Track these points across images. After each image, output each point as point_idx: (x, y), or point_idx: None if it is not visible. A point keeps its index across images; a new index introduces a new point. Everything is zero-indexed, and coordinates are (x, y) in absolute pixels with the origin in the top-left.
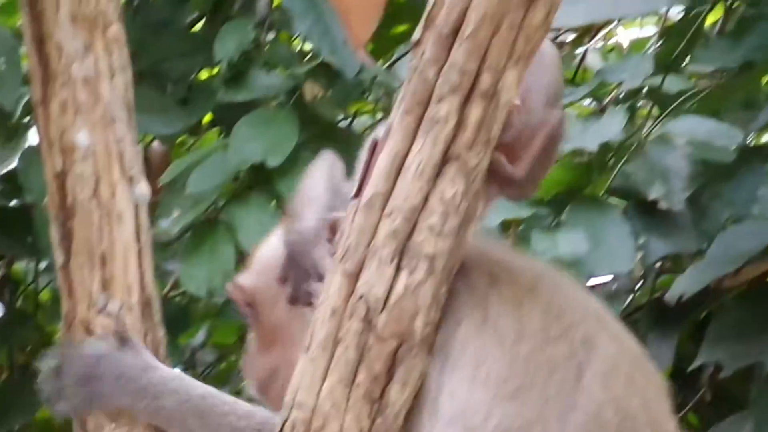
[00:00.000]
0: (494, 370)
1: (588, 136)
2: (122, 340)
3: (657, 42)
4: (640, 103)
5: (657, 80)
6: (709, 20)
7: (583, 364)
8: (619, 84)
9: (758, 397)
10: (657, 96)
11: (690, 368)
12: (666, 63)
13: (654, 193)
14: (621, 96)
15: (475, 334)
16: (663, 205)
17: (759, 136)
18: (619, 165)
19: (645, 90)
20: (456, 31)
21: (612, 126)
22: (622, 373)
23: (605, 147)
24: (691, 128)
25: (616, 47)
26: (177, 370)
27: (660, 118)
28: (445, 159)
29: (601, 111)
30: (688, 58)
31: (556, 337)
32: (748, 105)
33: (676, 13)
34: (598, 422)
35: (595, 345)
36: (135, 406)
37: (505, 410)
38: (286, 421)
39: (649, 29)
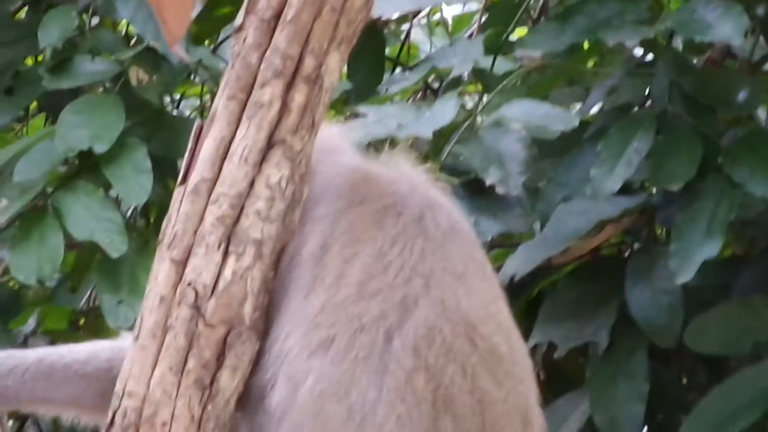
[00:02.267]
0: (310, 313)
1: (422, 123)
2: None
3: (480, 18)
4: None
5: (486, 62)
6: None
7: (394, 328)
8: (450, 69)
9: (593, 376)
10: (484, 77)
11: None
12: (495, 46)
13: (490, 179)
14: (450, 78)
15: (311, 263)
16: (498, 188)
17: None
18: (449, 146)
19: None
20: (278, 15)
21: (446, 112)
22: (439, 341)
23: (439, 132)
24: (524, 112)
25: (442, 23)
26: (9, 352)
27: (489, 98)
28: (270, 144)
29: (427, 91)
30: (514, 41)
31: (370, 294)
32: (573, 84)
33: None
34: (411, 389)
35: (412, 309)
36: None
37: (320, 367)
38: (117, 410)
39: (472, 5)
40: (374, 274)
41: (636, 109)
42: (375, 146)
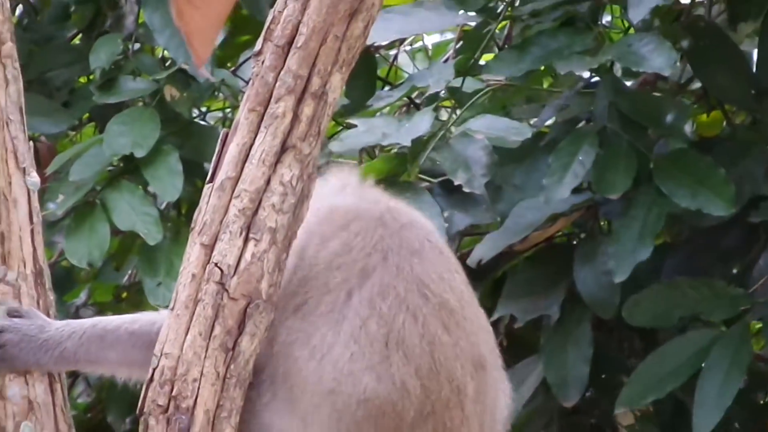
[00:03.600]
0: (290, 289)
1: (402, 134)
2: (16, 312)
3: (456, 45)
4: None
5: (457, 82)
6: (500, 26)
7: (353, 288)
8: (427, 87)
9: (546, 343)
10: (456, 95)
11: (490, 320)
12: (464, 69)
13: (458, 180)
14: (426, 96)
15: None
16: (465, 188)
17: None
18: (426, 153)
19: (445, 90)
20: (290, 42)
21: (422, 124)
22: (392, 295)
23: (417, 141)
24: (488, 125)
25: (423, 50)
26: (66, 321)
27: (460, 113)
28: (283, 148)
29: (411, 106)
30: (483, 64)
31: (336, 267)
32: (530, 101)
33: (473, 22)
34: (366, 332)
35: (371, 274)
36: (41, 360)
37: (292, 324)
38: (156, 368)
39: (448, 34)
40: (341, 254)
41: (582, 123)
42: (366, 151)
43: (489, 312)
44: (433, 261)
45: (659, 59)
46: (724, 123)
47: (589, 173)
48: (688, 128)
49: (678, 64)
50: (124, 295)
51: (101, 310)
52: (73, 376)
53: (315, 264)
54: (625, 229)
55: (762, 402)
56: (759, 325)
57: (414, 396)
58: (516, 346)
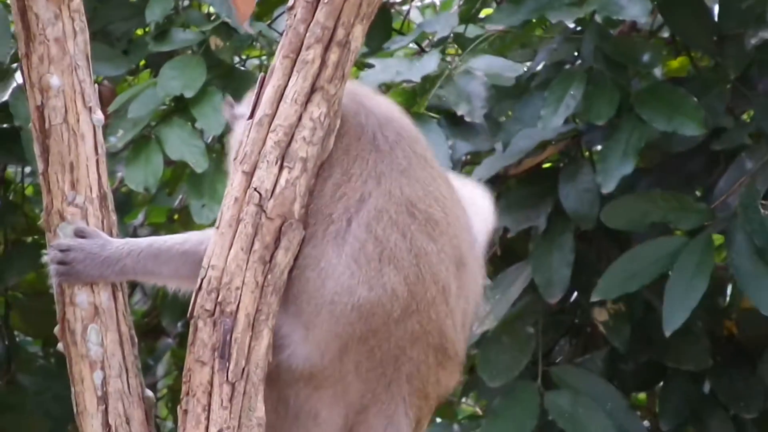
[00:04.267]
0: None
1: (413, 71)
2: (82, 232)
3: (460, 1)
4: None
5: (461, 29)
6: None
7: (353, 216)
8: (434, 33)
9: (534, 250)
10: (460, 40)
11: None
12: (467, 17)
13: (461, 111)
14: (435, 41)
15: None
16: (466, 117)
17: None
18: (433, 90)
19: (451, 36)
20: None
21: (430, 63)
22: (386, 218)
23: (425, 78)
24: (486, 64)
25: (432, 5)
26: (126, 239)
27: (463, 54)
28: (312, 89)
29: (421, 51)
30: (483, 17)
31: (338, 198)
32: (524, 46)
33: None
34: (364, 253)
35: (367, 200)
36: (104, 274)
37: (303, 251)
38: (203, 278)
39: None
40: (341, 184)
41: (568, 66)
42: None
43: None
44: (419, 177)
45: (635, 8)
46: (690, 66)
47: (578, 105)
48: (658, 72)
49: (650, 15)
50: (176, 216)
51: (156, 229)
52: (132, 286)
53: (321, 196)
54: (611, 150)
55: (722, 307)
56: (721, 240)
57: (402, 298)
58: (509, 253)
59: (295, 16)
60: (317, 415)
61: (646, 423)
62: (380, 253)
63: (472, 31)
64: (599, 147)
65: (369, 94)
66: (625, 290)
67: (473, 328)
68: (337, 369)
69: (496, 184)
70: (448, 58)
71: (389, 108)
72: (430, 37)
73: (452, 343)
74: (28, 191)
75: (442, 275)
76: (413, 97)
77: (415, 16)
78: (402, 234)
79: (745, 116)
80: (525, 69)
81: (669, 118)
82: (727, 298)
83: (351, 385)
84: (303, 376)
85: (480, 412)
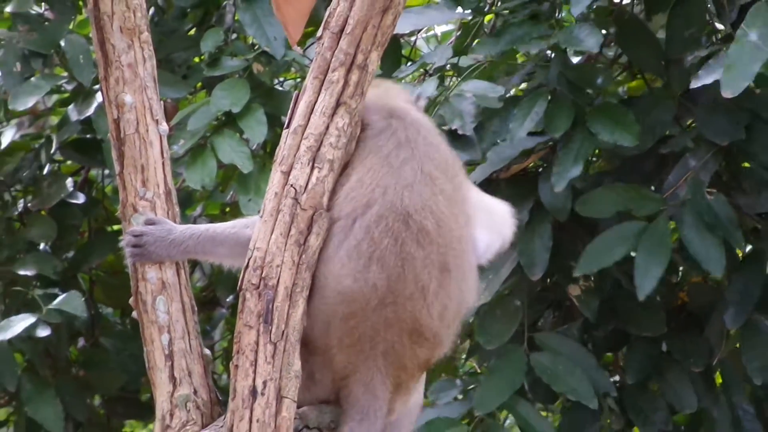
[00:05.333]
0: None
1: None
2: (152, 221)
3: (457, 32)
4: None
5: (455, 60)
6: (487, 19)
7: (358, 217)
8: (433, 63)
9: (519, 239)
10: (455, 68)
11: None
12: (460, 50)
13: (454, 126)
14: (434, 69)
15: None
16: (459, 131)
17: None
18: (435, 110)
19: (448, 65)
20: (342, 30)
21: (430, 88)
22: (383, 224)
23: (428, 101)
24: (474, 87)
25: (434, 36)
26: (187, 225)
27: (458, 81)
28: (337, 104)
29: (425, 76)
30: (474, 45)
31: (349, 199)
32: (508, 72)
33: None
34: (358, 250)
35: (372, 206)
36: (170, 254)
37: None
38: (250, 257)
39: (452, 26)
40: (355, 189)
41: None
42: None
43: None
44: (421, 192)
45: (591, 41)
46: (645, 86)
47: (541, 121)
48: (621, 90)
49: (605, 46)
50: (227, 209)
51: (212, 220)
52: (192, 266)
53: (336, 196)
54: (564, 157)
55: (675, 282)
56: (673, 224)
57: (380, 291)
58: None
59: (323, 44)
60: (313, 374)
61: (616, 378)
62: (371, 252)
63: (464, 61)
64: None
65: (404, 113)
66: (601, 265)
67: (464, 314)
68: (324, 341)
69: (488, 186)
70: (447, 81)
71: (415, 128)
72: (429, 67)
73: (428, 328)
74: (108, 189)
75: (424, 276)
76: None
77: (421, 44)
78: (394, 239)
79: (688, 126)
80: (505, 90)
81: (612, 132)
82: (680, 276)
83: (335, 356)
84: (303, 342)
85: (479, 370)
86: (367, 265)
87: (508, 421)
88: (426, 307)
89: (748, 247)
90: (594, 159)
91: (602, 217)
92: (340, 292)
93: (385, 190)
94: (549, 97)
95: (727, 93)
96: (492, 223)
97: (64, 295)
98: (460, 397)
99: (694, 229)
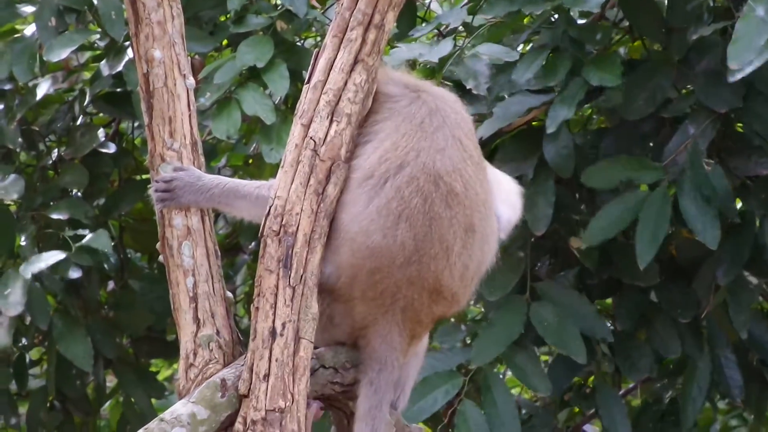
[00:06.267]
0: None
1: (432, 54)
2: (180, 168)
3: None
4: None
5: (468, 19)
6: None
7: (390, 177)
8: (448, 24)
9: (524, 193)
10: (468, 28)
11: None
12: (473, 10)
13: (469, 86)
14: (449, 29)
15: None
16: (474, 91)
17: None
18: (446, 67)
19: (460, 27)
20: None
21: (445, 47)
22: (414, 185)
23: (442, 59)
24: (489, 50)
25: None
26: (214, 175)
27: (470, 39)
28: (355, 61)
29: (440, 34)
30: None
31: (384, 160)
32: (516, 32)
33: None
34: (388, 208)
35: (404, 168)
36: (197, 200)
37: (343, 198)
38: (271, 206)
39: None
40: (389, 150)
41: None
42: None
43: None
44: (452, 156)
45: (592, 2)
46: (644, 50)
47: (540, 71)
48: (622, 51)
49: (609, 7)
50: (250, 161)
51: (235, 170)
52: (216, 213)
53: (370, 158)
54: (560, 103)
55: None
56: (673, 191)
57: (408, 250)
58: None
59: (342, 4)
60: (333, 318)
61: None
62: (401, 211)
63: (477, 20)
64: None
65: (429, 86)
66: (606, 236)
67: (482, 276)
68: (347, 291)
69: (494, 140)
70: (460, 42)
71: (442, 99)
72: (444, 27)
73: (448, 288)
74: (137, 140)
75: (449, 236)
76: (432, 73)
77: (435, 6)
78: (424, 199)
79: (685, 91)
80: (518, 52)
81: (600, 74)
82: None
83: (356, 306)
84: (326, 288)
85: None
86: (396, 223)
87: (509, 374)
88: (448, 267)
89: (739, 204)
90: (594, 117)
91: (606, 187)
92: (368, 247)
93: (419, 153)
94: (550, 52)
95: (734, 65)
96: (508, 197)
97: (92, 234)
98: (465, 342)
99: (692, 200)
